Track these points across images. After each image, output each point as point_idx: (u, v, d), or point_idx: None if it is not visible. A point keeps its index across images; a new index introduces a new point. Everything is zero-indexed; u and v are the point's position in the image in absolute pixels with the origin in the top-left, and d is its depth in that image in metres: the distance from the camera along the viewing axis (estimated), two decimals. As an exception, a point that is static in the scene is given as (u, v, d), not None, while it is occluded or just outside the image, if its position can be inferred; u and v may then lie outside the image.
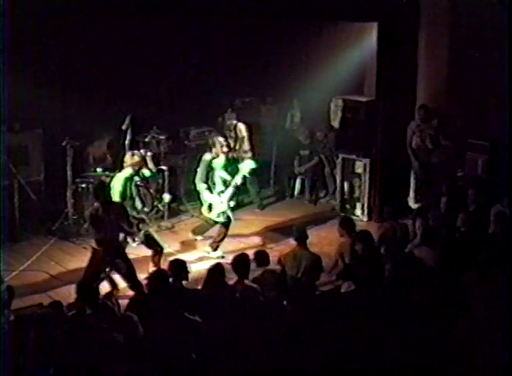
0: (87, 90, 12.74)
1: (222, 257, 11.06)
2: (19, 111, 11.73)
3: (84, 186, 12.10)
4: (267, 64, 14.79)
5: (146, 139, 13.00)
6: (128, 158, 10.61)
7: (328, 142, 13.96)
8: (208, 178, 11.28)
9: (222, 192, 11.24)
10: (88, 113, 12.37)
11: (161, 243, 10.66)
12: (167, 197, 12.34)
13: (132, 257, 10.05)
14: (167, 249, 11.04)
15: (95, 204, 9.61)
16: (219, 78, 14.28)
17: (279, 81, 14.50)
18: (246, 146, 13.19)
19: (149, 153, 12.33)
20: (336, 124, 13.52)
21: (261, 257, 8.65)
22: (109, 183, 10.35)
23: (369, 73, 13.67)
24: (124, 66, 13.15)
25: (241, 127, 13.38)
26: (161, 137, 13.14)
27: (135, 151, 11.03)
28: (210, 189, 11.26)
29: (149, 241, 10.43)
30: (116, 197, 10.10)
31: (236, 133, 13.19)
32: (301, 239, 9.20)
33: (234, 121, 13.49)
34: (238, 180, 11.34)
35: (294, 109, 15.04)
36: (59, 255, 11.26)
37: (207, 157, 11.44)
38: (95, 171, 12.38)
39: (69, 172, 11.96)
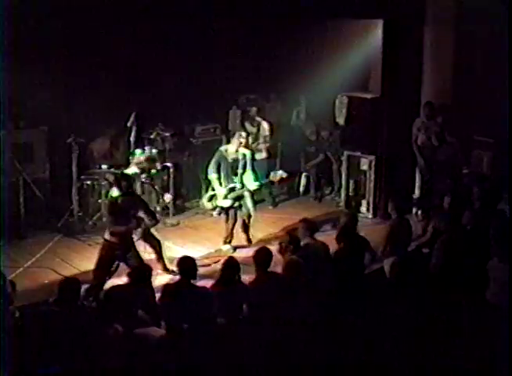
0: (92, 87, 12.74)
1: (234, 250, 11.14)
2: (24, 108, 11.77)
3: (89, 183, 12.13)
4: (272, 61, 14.76)
5: (151, 136, 13.04)
6: (136, 156, 10.61)
7: (333, 139, 13.94)
8: (220, 170, 11.21)
9: (233, 190, 11.19)
10: (92, 110, 12.38)
11: (158, 237, 10.62)
12: (168, 197, 12.35)
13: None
14: (170, 245, 11.08)
15: (114, 194, 9.58)
16: (224, 75, 14.27)
17: (284, 78, 14.48)
18: (264, 144, 13.27)
19: (154, 150, 12.40)
20: (341, 121, 13.49)
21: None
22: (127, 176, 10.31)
23: (375, 70, 13.66)
24: (129, 63, 13.16)
25: (265, 126, 13.45)
26: (166, 134, 13.17)
27: (145, 149, 10.97)
28: (220, 180, 11.21)
29: (147, 236, 10.38)
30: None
31: (258, 130, 13.28)
32: (314, 231, 9.20)
33: (259, 118, 13.53)
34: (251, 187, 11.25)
35: (301, 105, 15.03)
36: (64, 252, 11.27)
37: (221, 147, 11.48)
38: (100, 167, 12.39)
39: (74, 169, 11.96)
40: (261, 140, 13.45)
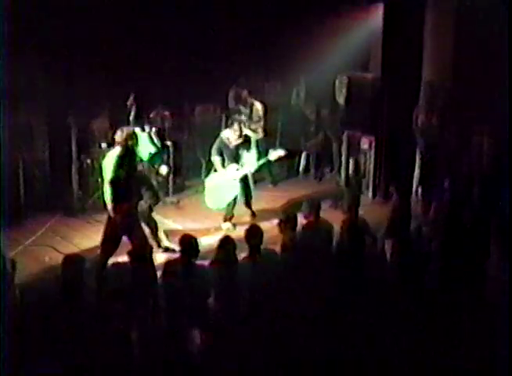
0: (91, 66, 12.70)
1: (234, 228, 11.20)
2: (23, 88, 11.72)
3: (89, 162, 12.12)
4: (272, 41, 14.71)
5: (151, 115, 13.00)
6: (118, 135, 10.44)
7: (334, 118, 13.92)
8: (222, 153, 11.35)
9: (238, 170, 11.31)
10: (92, 89, 12.35)
11: (156, 217, 10.65)
12: (164, 169, 12.33)
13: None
14: (170, 223, 11.10)
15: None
16: (223, 55, 14.23)
17: (284, 58, 14.44)
18: (259, 125, 13.25)
19: (153, 129, 12.37)
20: (341, 100, 13.47)
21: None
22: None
23: (375, 49, 13.62)
24: (129, 42, 13.11)
25: (258, 106, 13.43)
26: (166, 113, 13.16)
27: (124, 127, 10.84)
28: (223, 163, 11.32)
29: (146, 215, 10.37)
30: (108, 176, 10.05)
31: (251, 111, 13.25)
32: (318, 209, 9.23)
33: (251, 99, 13.51)
34: (252, 168, 11.42)
35: (300, 85, 14.99)
36: (64, 230, 11.31)
37: (222, 133, 11.57)
38: (100, 147, 12.37)
39: (73, 148, 11.96)
40: (255, 120, 13.43)
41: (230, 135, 11.37)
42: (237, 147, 11.35)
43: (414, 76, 12.82)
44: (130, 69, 13.10)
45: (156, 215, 10.70)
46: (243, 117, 11.64)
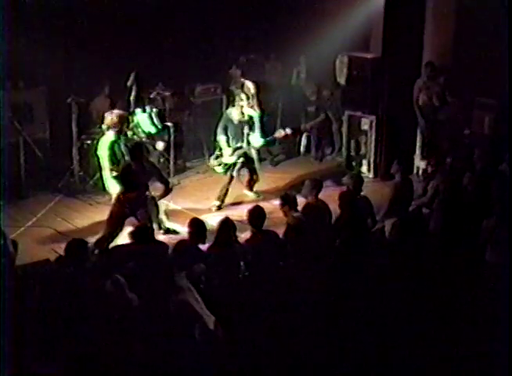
0: (91, 46, 12.66)
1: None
2: (23, 68, 11.70)
3: (89, 142, 12.10)
4: (273, 21, 14.67)
5: (151, 96, 12.97)
6: (108, 119, 10.37)
7: (335, 98, 13.89)
8: (228, 133, 11.39)
9: (239, 148, 11.36)
10: (92, 69, 12.32)
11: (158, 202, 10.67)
12: (160, 144, 12.33)
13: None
14: (171, 205, 11.13)
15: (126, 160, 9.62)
16: (224, 35, 14.18)
17: (285, 38, 14.39)
18: (253, 103, 13.18)
19: (154, 110, 12.35)
20: (342, 80, 13.42)
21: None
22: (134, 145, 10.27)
23: (376, 29, 13.55)
24: (129, 22, 13.07)
25: (249, 85, 13.34)
26: (166, 93, 13.13)
27: (114, 110, 10.78)
28: (228, 141, 11.37)
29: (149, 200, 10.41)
30: (105, 162, 10.03)
31: (243, 91, 13.18)
32: (319, 190, 9.25)
33: (241, 79, 13.45)
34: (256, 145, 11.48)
35: (301, 65, 14.95)
36: (65, 212, 11.31)
37: (227, 110, 11.66)
38: (101, 127, 12.34)
39: (74, 129, 11.94)
40: (253, 100, 13.39)
41: (233, 112, 11.42)
42: (241, 125, 11.38)
43: (415, 56, 12.77)
44: (131, 49, 13.07)
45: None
46: (243, 96, 11.56)
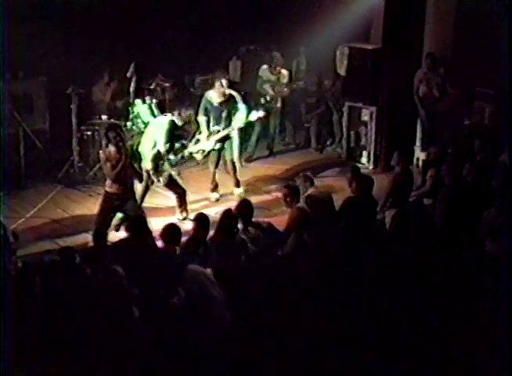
0: (91, 37, 12.65)
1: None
2: (23, 59, 11.68)
3: (89, 133, 12.10)
4: (273, 11, 14.64)
5: (151, 86, 12.95)
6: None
7: (335, 90, 13.87)
8: (208, 114, 11.33)
9: (219, 131, 11.25)
10: (92, 60, 12.30)
11: (183, 185, 10.72)
12: None
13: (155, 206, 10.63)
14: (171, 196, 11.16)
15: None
16: (224, 25, 14.16)
17: (285, 29, 14.37)
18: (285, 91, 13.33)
19: (154, 101, 12.34)
20: (342, 71, 13.41)
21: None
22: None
23: (376, 20, 13.52)
24: (129, 13, 13.05)
25: (285, 73, 13.44)
26: (166, 84, 13.11)
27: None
28: (209, 123, 11.30)
29: (171, 183, 10.52)
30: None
31: (278, 78, 13.30)
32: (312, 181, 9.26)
33: (278, 68, 13.48)
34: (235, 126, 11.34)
35: (300, 56, 14.93)
36: (64, 202, 11.31)
37: (206, 93, 11.55)
38: (100, 118, 12.35)
39: (74, 120, 11.93)
40: (281, 88, 13.47)
41: (212, 94, 11.34)
42: (221, 107, 11.29)
43: (415, 47, 12.76)
44: (131, 39, 13.07)
45: (157, 188, 10.72)
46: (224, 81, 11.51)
